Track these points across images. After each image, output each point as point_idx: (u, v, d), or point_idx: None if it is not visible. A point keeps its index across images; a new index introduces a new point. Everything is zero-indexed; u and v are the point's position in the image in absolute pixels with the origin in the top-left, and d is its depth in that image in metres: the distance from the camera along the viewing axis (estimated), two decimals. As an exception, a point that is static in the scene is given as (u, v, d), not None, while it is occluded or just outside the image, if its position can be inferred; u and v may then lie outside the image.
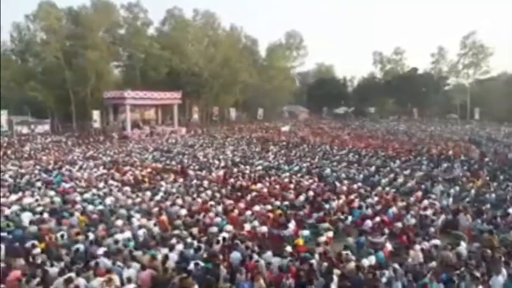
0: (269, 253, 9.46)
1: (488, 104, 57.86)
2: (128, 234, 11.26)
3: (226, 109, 57.20)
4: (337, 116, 73.74)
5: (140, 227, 11.72)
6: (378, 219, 12.85)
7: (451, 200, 15.33)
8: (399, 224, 12.34)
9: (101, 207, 14.07)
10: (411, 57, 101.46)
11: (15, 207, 13.56)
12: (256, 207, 13.92)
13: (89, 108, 43.71)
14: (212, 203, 14.39)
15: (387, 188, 17.56)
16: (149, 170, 21.74)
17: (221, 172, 20.86)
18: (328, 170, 21.28)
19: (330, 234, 11.54)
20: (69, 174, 20.07)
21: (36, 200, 14.65)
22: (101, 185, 17.73)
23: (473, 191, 16.61)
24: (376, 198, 15.44)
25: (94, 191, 16.35)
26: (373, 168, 22.05)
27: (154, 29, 54.66)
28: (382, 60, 72.45)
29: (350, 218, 13.05)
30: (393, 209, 13.91)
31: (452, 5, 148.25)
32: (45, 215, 12.88)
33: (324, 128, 50.98)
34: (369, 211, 13.42)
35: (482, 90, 60.68)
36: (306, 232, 11.63)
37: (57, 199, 15.20)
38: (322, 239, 11.05)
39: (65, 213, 13.17)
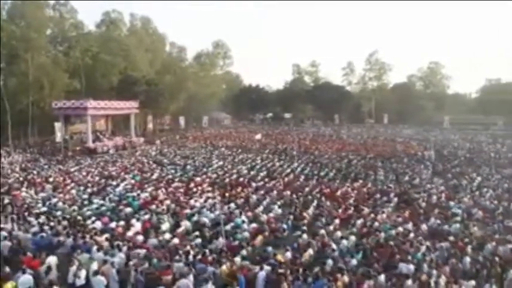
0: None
1: (387, 110, 70.50)
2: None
3: (174, 117, 55.49)
4: (254, 121, 78.59)
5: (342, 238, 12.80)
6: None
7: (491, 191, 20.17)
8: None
9: (245, 226, 14.19)
10: (326, 70, 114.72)
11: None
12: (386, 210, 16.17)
13: (29, 119, 37.82)
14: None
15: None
16: (205, 185, 21.33)
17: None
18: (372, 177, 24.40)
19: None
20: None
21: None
22: (193, 204, 17.11)
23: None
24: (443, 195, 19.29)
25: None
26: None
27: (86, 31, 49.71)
28: (299, 71, 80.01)
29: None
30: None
31: (361, 26, 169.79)
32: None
33: (269, 133, 53.94)
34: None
35: (383, 98, 73.33)
36: (457, 225, 14.43)
37: (187, 223, 14.56)
38: (475, 229, 14.11)
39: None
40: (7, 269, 9.87)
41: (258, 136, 40.90)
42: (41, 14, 38.72)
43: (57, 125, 33.87)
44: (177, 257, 10.47)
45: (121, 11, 53.58)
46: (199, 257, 10.76)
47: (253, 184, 21.57)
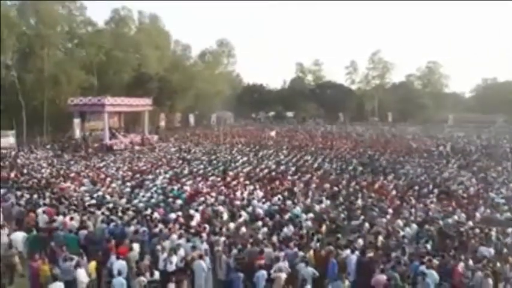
0: None
1: (390, 108, 71.18)
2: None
3: (183, 115, 55.32)
4: (257, 119, 78.61)
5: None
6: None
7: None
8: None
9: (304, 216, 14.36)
10: (328, 69, 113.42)
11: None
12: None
13: (44, 116, 37.47)
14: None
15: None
16: (241, 179, 21.43)
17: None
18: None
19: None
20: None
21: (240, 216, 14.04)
22: (241, 196, 17.20)
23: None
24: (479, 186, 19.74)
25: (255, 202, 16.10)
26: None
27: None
28: (302, 70, 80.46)
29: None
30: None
31: (361, 25, 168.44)
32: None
33: (278, 131, 53.97)
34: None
35: (385, 97, 74.12)
36: (508, 214, 14.82)
37: (245, 214, 14.68)
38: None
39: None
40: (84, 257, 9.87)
41: (273, 133, 41.13)
42: (54, 10, 38.37)
43: (76, 122, 33.62)
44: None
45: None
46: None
47: (289, 178, 21.75)
